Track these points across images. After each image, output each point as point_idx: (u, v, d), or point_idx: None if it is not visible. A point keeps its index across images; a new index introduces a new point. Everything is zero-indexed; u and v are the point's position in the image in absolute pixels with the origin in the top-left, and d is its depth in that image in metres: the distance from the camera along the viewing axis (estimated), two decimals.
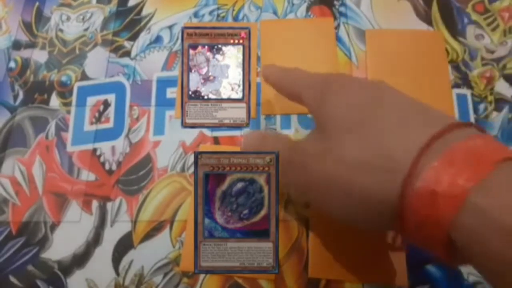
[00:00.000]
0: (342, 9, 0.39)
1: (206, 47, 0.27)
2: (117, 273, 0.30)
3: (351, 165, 0.19)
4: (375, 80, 0.23)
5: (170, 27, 0.38)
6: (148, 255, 0.30)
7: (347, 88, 0.22)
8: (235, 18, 0.38)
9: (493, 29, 0.38)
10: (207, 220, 0.23)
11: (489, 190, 0.16)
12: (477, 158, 0.17)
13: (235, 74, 0.28)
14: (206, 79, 0.28)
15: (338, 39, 0.37)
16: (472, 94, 0.35)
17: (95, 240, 0.31)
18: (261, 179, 0.22)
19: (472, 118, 0.34)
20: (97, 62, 0.37)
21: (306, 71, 0.26)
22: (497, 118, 0.34)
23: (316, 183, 0.21)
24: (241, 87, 0.28)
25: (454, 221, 0.16)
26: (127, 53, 0.37)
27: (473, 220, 0.16)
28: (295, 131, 0.34)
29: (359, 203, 0.20)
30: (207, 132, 0.34)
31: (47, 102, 0.35)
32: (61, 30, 0.38)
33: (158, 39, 0.38)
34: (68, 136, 0.34)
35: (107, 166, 0.33)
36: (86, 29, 0.38)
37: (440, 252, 0.18)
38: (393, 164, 0.18)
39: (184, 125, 0.30)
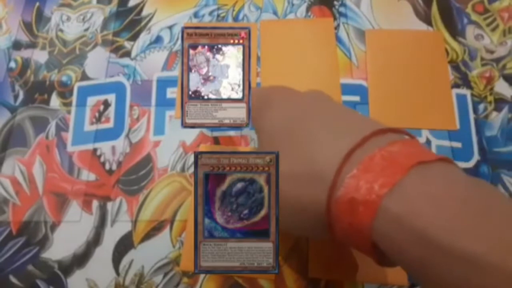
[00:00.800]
0: (342, 9, 0.39)
1: (206, 47, 0.27)
2: (117, 273, 0.30)
3: (283, 177, 0.20)
4: (314, 91, 0.24)
5: (170, 27, 0.38)
6: (148, 255, 0.30)
7: (284, 102, 0.23)
8: (235, 18, 0.38)
9: (493, 29, 0.38)
10: (207, 220, 0.23)
11: (401, 196, 0.16)
12: (392, 163, 0.17)
13: (235, 74, 0.28)
14: (206, 79, 0.28)
15: (338, 39, 0.37)
16: (472, 94, 0.35)
17: (95, 240, 0.31)
18: (261, 179, 0.22)
19: (472, 118, 0.34)
20: (97, 62, 0.37)
21: (259, 88, 0.27)
22: (497, 118, 0.34)
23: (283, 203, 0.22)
24: (241, 87, 0.28)
25: (373, 227, 0.17)
26: (127, 53, 0.37)
27: (388, 225, 0.16)
28: None
29: (293, 213, 0.20)
30: (207, 132, 0.34)
31: (47, 102, 0.35)
32: (61, 30, 0.38)
33: (158, 39, 0.38)
34: (68, 136, 0.34)
35: (107, 166, 0.33)
36: (86, 29, 0.38)
37: (371, 256, 0.18)
38: (320, 175, 0.19)
39: (184, 125, 0.29)
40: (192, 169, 0.33)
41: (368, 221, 0.17)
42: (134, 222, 0.31)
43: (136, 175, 0.33)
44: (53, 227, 0.31)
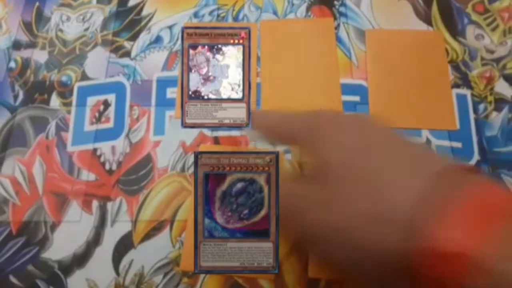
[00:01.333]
0: (342, 9, 0.39)
1: (206, 47, 0.27)
2: (117, 273, 0.30)
3: (354, 217, 0.18)
4: (360, 116, 0.23)
5: (170, 27, 0.38)
6: (148, 255, 0.30)
7: (337, 128, 0.22)
8: (235, 18, 0.38)
9: (493, 29, 0.38)
10: (207, 220, 0.23)
11: (499, 250, 0.14)
12: (487, 209, 0.15)
13: (235, 74, 0.28)
14: (206, 79, 0.28)
15: (338, 39, 0.37)
16: (472, 94, 0.35)
17: (95, 240, 0.31)
18: (261, 179, 0.22)
19: (472, 118, 0.34)
20: (97, 62, 0.37)
21: (294, 113, 0.25)
22: (497, 118, 0.34)
23: (317, 232, 0.20)
24: (241, 87, 0.28)
25: (464, 283, 0.15)
26: (127, 53, 0.37)
27: (485, 282, 0.14)
28: None
29: (364, 256, 0.18)
30: (207, 132, 0.34)
31: (47, 102, 0.35)
32: (61, 30, 0.38)
33: (158, 39, 0.38)
34: (68, 136, 0.34)
35: (107, 166, 0.33)
36: (86, 29, 0.38)
37: None
38: (390, 216, 0.17)
39: (184, 125, 0.30)
40: (192, 169, 0.33)
41: (460, 275, 0.14)
42: (134, 222, 0.31)
43: (136, 175, 0.33)
44: (53, 227, 0.31)
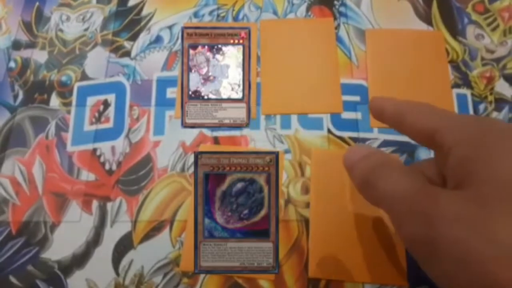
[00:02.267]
0: (342, 9, 0.39)
1: (206, 47, 0.27)
2: (117, 273, 0.30)
3: (501, 246, 0.15)
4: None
5: (170, 27, 0.38)
6: (148, 255, 0.30)
7: (502, 146, 0.17)
8: (235, 18, 0.38)
9: (493, 29, 0.38)
10: (207, 220, 0.23)
11: None
12: None
13: (235, 74, 0.28)
14: (206, 79, 0.28)
15: (338, 39, 0.37)
16: (472, 94, 0.35)
17: (95, 240, 0.31)
18: (261, 179, 0.22)
19: None
20: (97, 62, 0.37)
21: (436, 108, 0.22)
22: (497, 118, 0.34)
23: (447, 253, 0.17)
24: (241, 87, 0.28)
25: None
26: (127, 53, 0.37)
27: None
28: (295, 131, 0.34)
29: None
30: (207, 132, 0.34)
31: (47, 102, 0.35)
32: (61, 30, 0.38)
33: (158, 39, 0.38)
34: (68, 136, 0.34)
35: (107, 166, 0.33)
36: (86, 29, 0.38)
37: None
38: None
39: (184, 125, 0.30)
40: (192, 169, 0.32)
41: None
42: (134, 222, 0.31)
43: (136, 175, 0.33)
44: (53, 227, 0.31)
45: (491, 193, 0.16)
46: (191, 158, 0.33)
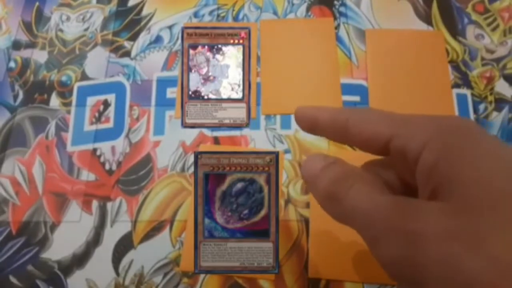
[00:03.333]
0: (342, 9, 0.39)
1: (206, 47, 0.27)
2: (117, 273, 0.30)
3: (498, 264, 0.13)
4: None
5: (170, 27, 0.38)
6: (148, 255, 0.30)
7: (477, 144, 0.16)
8: (235, 18, 0.38)
9: (493, 29, 0.38)
10: (207, 220, 0.23)
11: None
12: None
13: (235, 74, 0.28)
14: (206, 79, 0.28)
15: (338, 39, 0.37)
16: (472, 94, 0.35)
17: (95, 240, 0.31)
18: (261, 179, 0.22)
19: (472, 118, 0.34)
20: (97, 62, 0.37)
21: (379, 110, 0.19)
22: (497, 118, 0.34)
23: (434, 274, 0.14)
24: (241, 87, 0.28)
25: None
26: (127, 53, 0.37)
27: None
28: (295, 131, 0.34)
29: None
30: (207, 132, 0.34)
31: (47, 102, 0.35)
32: (61, 30, 0.38)
33: (158, 39, 0.38)
34: (68, 136, 0.34)
35: (107, 166, 0.33)
36: (86, 29, 0.38)
37: None
38: None
39: (184, 125, 0.29)
40: (192, 169, 0.33)
41: None
42: (134, 222, 0.31)
43: (136, 175, 0.33)
44: (53, 227, 0.31)
45: (478, 202, 0.14)
46: (191, 158, 0.33)
